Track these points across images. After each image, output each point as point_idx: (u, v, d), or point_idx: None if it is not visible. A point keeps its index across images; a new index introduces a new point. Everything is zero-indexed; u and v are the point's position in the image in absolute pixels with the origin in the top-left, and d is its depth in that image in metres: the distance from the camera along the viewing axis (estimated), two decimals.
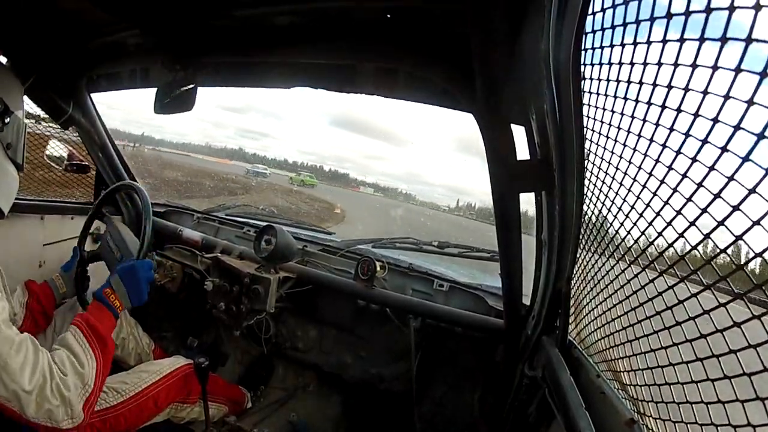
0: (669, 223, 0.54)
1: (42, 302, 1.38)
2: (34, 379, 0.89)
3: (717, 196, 0.43)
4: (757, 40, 0.36)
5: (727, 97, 0.41)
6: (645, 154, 0.58)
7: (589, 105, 0.71)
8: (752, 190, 0.39)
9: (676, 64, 0.47)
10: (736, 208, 0.41)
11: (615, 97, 0.63)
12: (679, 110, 0.48)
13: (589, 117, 0.73)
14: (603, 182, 0.75)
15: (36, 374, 0.89)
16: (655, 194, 0.57)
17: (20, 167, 1.00)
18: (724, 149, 0.41)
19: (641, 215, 0.62)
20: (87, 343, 1.04)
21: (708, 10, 0.41)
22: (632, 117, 0.59)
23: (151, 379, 1.35)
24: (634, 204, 0.64)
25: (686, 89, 0.46)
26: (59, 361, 0.97)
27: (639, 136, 0.59)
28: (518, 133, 0.86)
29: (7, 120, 0.93)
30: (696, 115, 0.45)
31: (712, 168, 0.44)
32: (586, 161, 0.78)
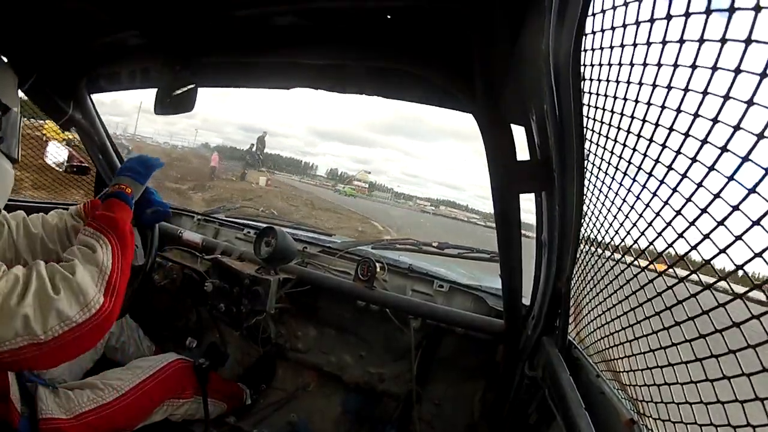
0: (669, 224, 0.54)
1: None
2: (31, 290, 0.78)
3: (717, 196, 0.44)
4: (757, 41, 0.37)
5: (727, 97, 0.41)
6: (645, 155, 0.58)
7: (589, 105, 0.71)
8: (752, 190, 0.39)
9: (676, 65, 0.47)
10: (735, 208, 0.41)
11: (615, 97, 0.63)
12: (679, 110, 0.48)
13: (589, 117, 0.73)
14: (603, 182, 0.75)
15: (31, 284, 0.78)
16: (654, 194, 0.57)
17: (15, 161, 1.00)
18: (723, 149, 0.42)
19: (641, 215, 0.62)
20: (97, 232, 0.94)
21: (708, 11, 0.41)
22: (632, 117, 0.59)
23: (145, 375, 1.35)
24: (633, 204, 0.64)
25: (686, 89, 0.47)
26: (67, 253, 0.88)
27: (639, 136, 0.59)
28: (518, 133, 0.86)
29: (1, 116, 0.93)
30: (696, 115, 0.45)
31: (711, 168, 0.44)
32: (586, 161, 0.78)
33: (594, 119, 0.72)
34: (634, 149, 0.61)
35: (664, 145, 0.53)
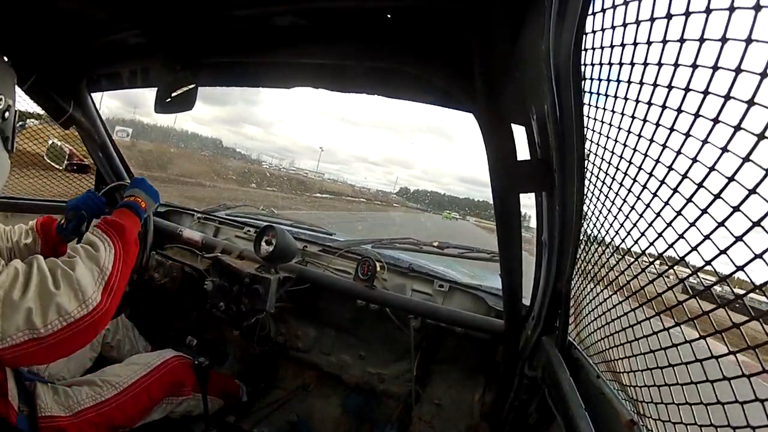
0: (669, 224, 0.54)
1: (59, 251, 1.31)
2: (32, 283, 0.79)
3: (717, 196, 0.43)
4: (757, 41, 0.36)
5: (727, 97, 0.40)
6: (645, 155, 0.58)
7: (590, 105, 0.71)
8: (752, 191, 0.39)
9: (676, 64, 0.47)
10: (736, 209, 0.41)
11: (615, 97, 0.63)
12: (679, 110, 0.48)
13: (589, 117, 0.73)
14: (603, 183, 0.75)
15: (32, 278, 0.80)
16: (655, 195, 0.57)
17: (10, 151, 1.00)
18: (724, 150, 0.41)
19: (641, 216, 0.61)
20: (104, 234, 0.96)
21: (708, 11, 0.41)
22: (632, 117, 0.59)
23: (143, 371, 1.36)
24: (634, 204, 0.64)
25: (686, 89, 0.46)
26: (71, 249, 0.90)
27: (639, 136, 0.59)
28: (518, 133, 0.86)
29: (7, 115, 0.93)
30: (696, 115, 0.45)
31: (712, 168, 0.44)
32: (586, 161, 0.78)
33: (594, 119, 0.72)
34: (635, 149, 0.61)
35: (664, 145, 0.53)
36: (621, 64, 0.58)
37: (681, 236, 0.52)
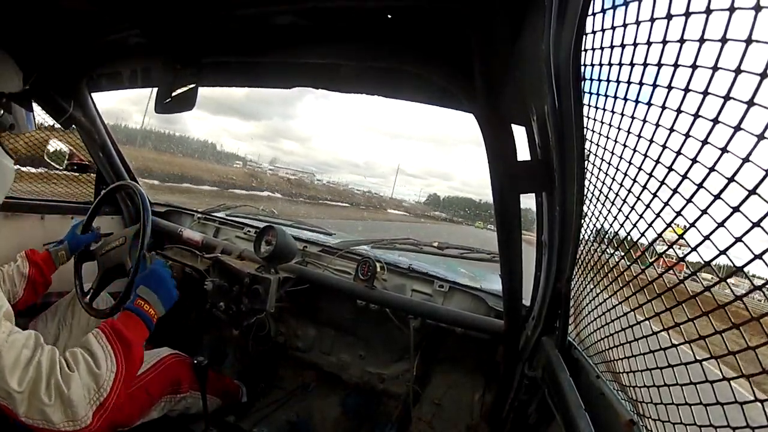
0: (669, 225, 0.54)
1: (45, 273, 1.37)
2: (26, 378, 0.80)
3: (717, 197, 0.43)
4: (758, 41, 0.36)
5: (727, 97, 0.40)
6: (645, 155, 0.58)
7: (590, 106, 0.71)
8: (752, 192, 0.39)
9: (676, 65, 0.47)
10: (735, 209, 0.41)
11: (615, 97, 0.63)
12: (679, 111, 0.48)
13: (589, 117, 0.73)
14: (603, 183, 0.75)
15: (28, 372, 0.81)
16: (655, 195, 0.57)
17: (14, 157, 1.00)
18: (724, 150, 0.41)
19: (641, 216, 0.61)
20: (109, 346, 0.95)
21: (708, 11, 0.41)
22: (632, 118, 0.59)
23: (141, 369, 1.36)
24: (634, 205, 0.63)
25: (686, 90, 0.46)
26: (71, 358, 0.89)
27: (639, 136, 0.59)
28: (519, 133, 0.86)
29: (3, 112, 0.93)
30: (696, 116, 0.45)
31: (712, 169, 0.44)
32: (586, 162, 0.78)
33: (594, 119, 0.72)
34: (635, 149, 0.61)
35: (664, 146, 0.53)
36: (621, 64, 0.58)
37: (681, 237, 0.52)
